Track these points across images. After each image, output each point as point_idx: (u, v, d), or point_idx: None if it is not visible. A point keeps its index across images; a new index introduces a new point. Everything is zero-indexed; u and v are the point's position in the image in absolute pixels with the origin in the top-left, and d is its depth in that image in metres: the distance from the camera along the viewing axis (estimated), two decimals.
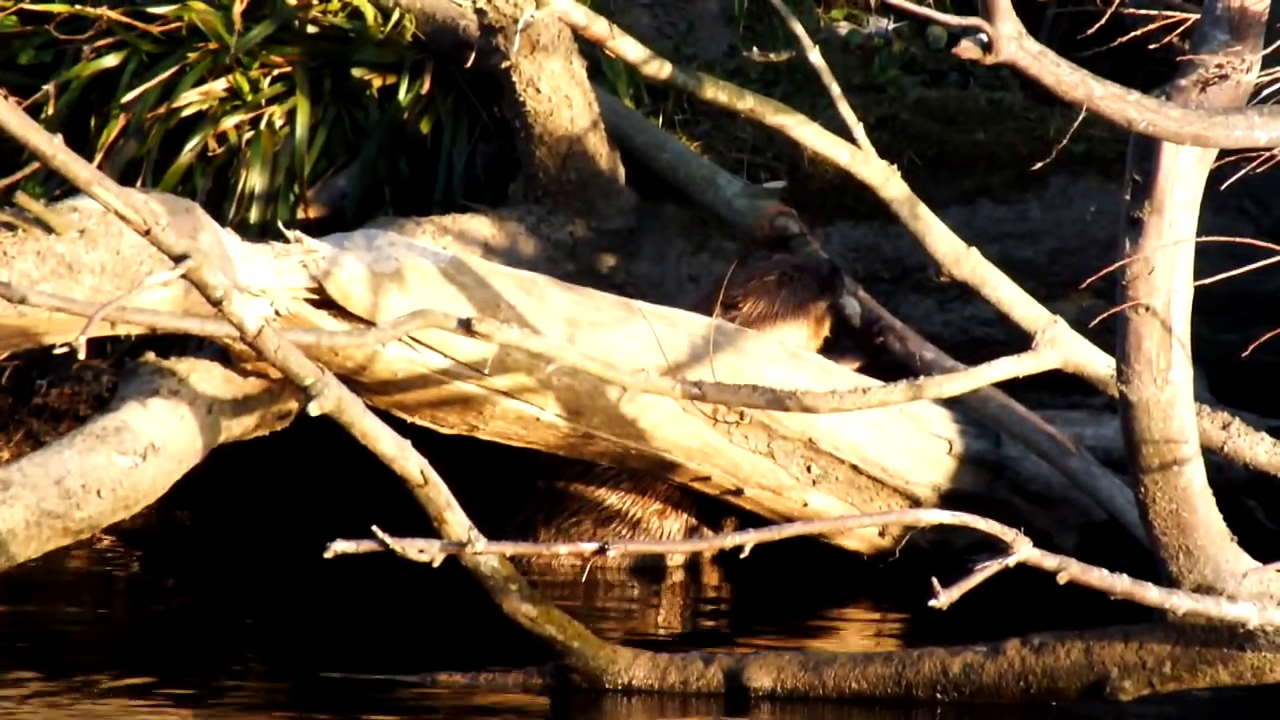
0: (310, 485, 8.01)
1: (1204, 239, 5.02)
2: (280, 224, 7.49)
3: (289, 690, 5.76)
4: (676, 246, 8.06)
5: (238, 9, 8.14)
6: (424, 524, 5.37)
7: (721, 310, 7.17)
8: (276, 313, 6.22)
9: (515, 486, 7.46)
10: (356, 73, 8.31)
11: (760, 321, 7.21)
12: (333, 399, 5.20)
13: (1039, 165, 5.20)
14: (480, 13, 7.38)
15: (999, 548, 4.88)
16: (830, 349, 7.35)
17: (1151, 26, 5.28)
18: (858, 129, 5.81)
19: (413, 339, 6.48)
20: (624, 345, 6.74)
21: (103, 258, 5.97)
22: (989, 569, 4.80)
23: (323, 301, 6.38)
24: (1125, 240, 5.01)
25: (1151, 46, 5.61)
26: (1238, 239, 5.05)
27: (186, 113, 8.20)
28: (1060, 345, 5.56)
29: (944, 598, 4.73)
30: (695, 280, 7.97)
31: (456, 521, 5.40)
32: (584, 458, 6.99)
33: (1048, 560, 4.92)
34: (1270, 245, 5.00)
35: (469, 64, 7.56)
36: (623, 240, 7.96)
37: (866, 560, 7.27)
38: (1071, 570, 4.93)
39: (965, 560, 4.93)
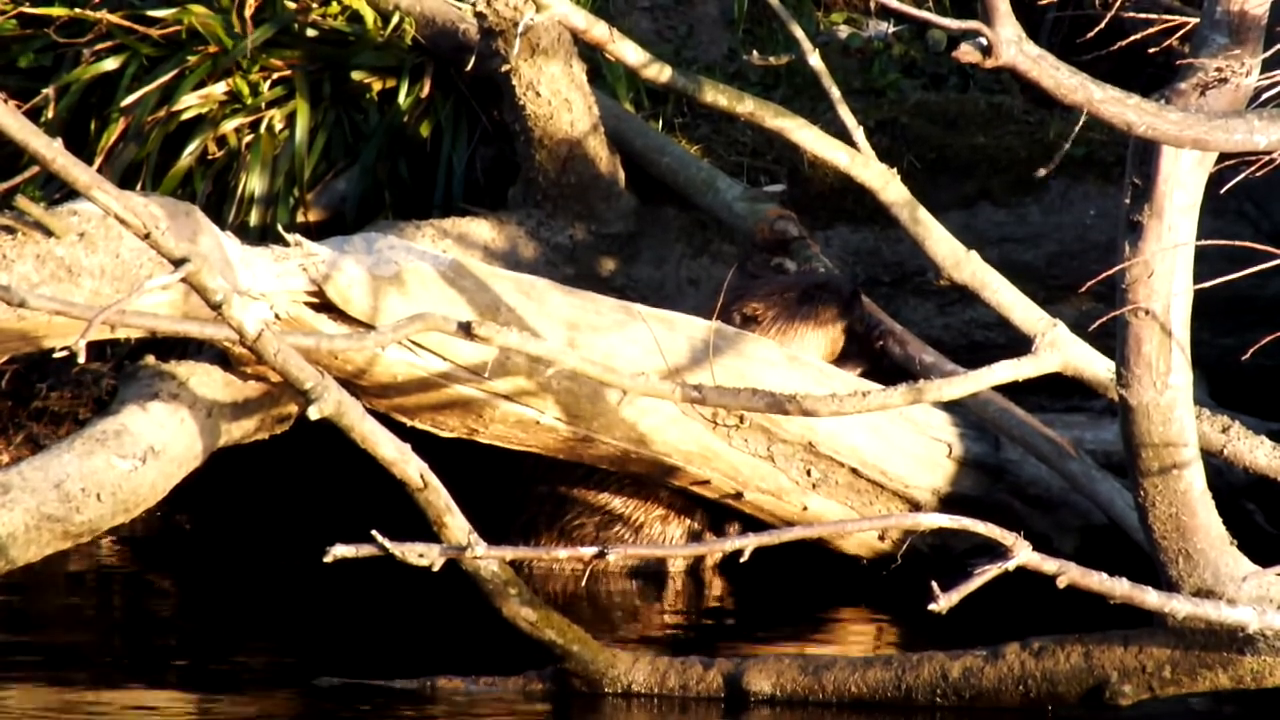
0: (310, 489, 8.00)
1: (1203, 243, 5.02)
2: (280, 227, 7.50)
3: (287, 695, 5.75)
4: (676, 250, 8.06)
5: (247, 13, 8.14)
6: (424, 528, 5.37)
7: (740, 323, 7.17)
8: (276, 316, 6.23)
9: (516, 490, 7.45)
10: (356, 76, 8.31)
11: (779, 337, 7.21)
12: (332, 402, 5.20)
13: (1042, 172, 5.22)
14: (480, 16, 7.38)
15: (999, 551, 4.88)
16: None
17: (1151, 30, 5.28)
18: (857, 132, 5.80)
19: (413, 342, 6.48)
20: (624, 348, 6.74)
21: (102, 261, 5.97)
22: (988, 573, 4.80)
23: (322, 305, 6.38)
24: (1125, 244, 5.01)
25: (1151, 50, 5.61)
26: (1237, 243, 5.05)
27: (186, 116, 8.20)
28: (1060, 349, 5.56)
29: (943, 601, 4.73)
30: (695, 284, 7.97)
31: (456, 525, 5.40)
32: (584, 461, 6.99)
33: (1047, 564, 4.92)
34: (1270, 249, 5.00)
35: (469, 67, 7.57)
36: (622, 244, 7.96)
37: (866, 564, 7.27)
38: (1071, 574, 4.93)
39: (965, 564, 4.92)
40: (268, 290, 6.22)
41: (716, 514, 7.29)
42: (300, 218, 8.15)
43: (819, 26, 9.02)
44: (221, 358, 6.41)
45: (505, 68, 7.47)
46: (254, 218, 8.12)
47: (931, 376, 6.77)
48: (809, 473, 7.01)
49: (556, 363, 5.28)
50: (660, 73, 5.59)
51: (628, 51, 5.55)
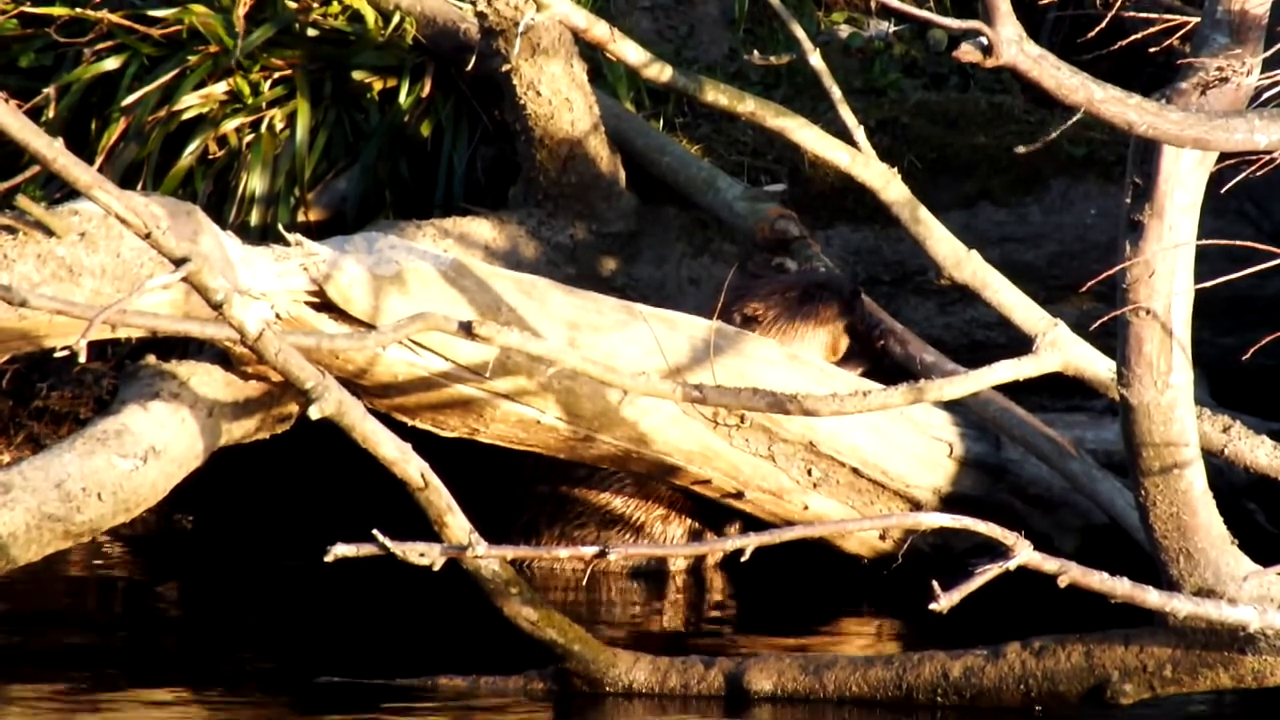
0: (311, 489, 8.00)
1: (1204, 243, 5.02)
2: (281, 227, 7.49)
3: (289, 695, 5.75)
4: (677, 249, 8.06)
5: (240, 12, 8.14)
6: (425, 527, 5.37)
7: (741, 323, 7.18)
8: (277, 316, 6.23)
9: (517, 490, 7.45)
10: (357, 76, 8.31)
11: (779, 337, 7.21)
12: (333, 402, 5.20)
13: (1022, 149, 5.18)
14: (481, 16, 7.38)
15: (1000, 551, 4.88)
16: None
17: (1151, 30, 5.28)
18: (858, 132, 5.80)
19: (413, 342, 6.48)
20: (625, 348, 6.74)
21: (103, 261, 5.97)
22: (989, 572, 4.80)
23: (323, 304, 6.38)
24: (1126, 243, 5.01)
25: (1152, 50, 5.61)
26: (1238, 242, 5.05)
27: (187, 116, 8.20)
28: (1061, 348, 5.56)
29: (944, 601, 4.73)
30: (696, 283, 7.97)
31: (457, 525, 5.40)
32: (585, 461, 6.99)
33: (1048, 563, 4.92)
34: (1271, 249, 5.00)
35: (469, 67, 7.57)
36: (623, 243, 7.96)
37: (867, 564, 7.27)
38: (1072, 573, 4.93)
39: (966, 563, 4.93)
40: (268, 290, 6.22)
41: (717, 513, 7.29)
42: (301, 217, 8.15)
43: (820, 26, 9.02)
44: (222, 357, 6.41)
45: (506, 67, 7.47)
46: (255, 217, 8.12)
47: (932, 376, 6.77)
48: (810, 472, 7.01)
49: (557, 362, 5.28)
50: (661, 72, 5.59)
51: (628, 51, 5.55)
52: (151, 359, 6.37)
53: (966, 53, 4.40)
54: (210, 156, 8.22)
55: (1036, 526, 7.10)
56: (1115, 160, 8.01)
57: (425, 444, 5.63)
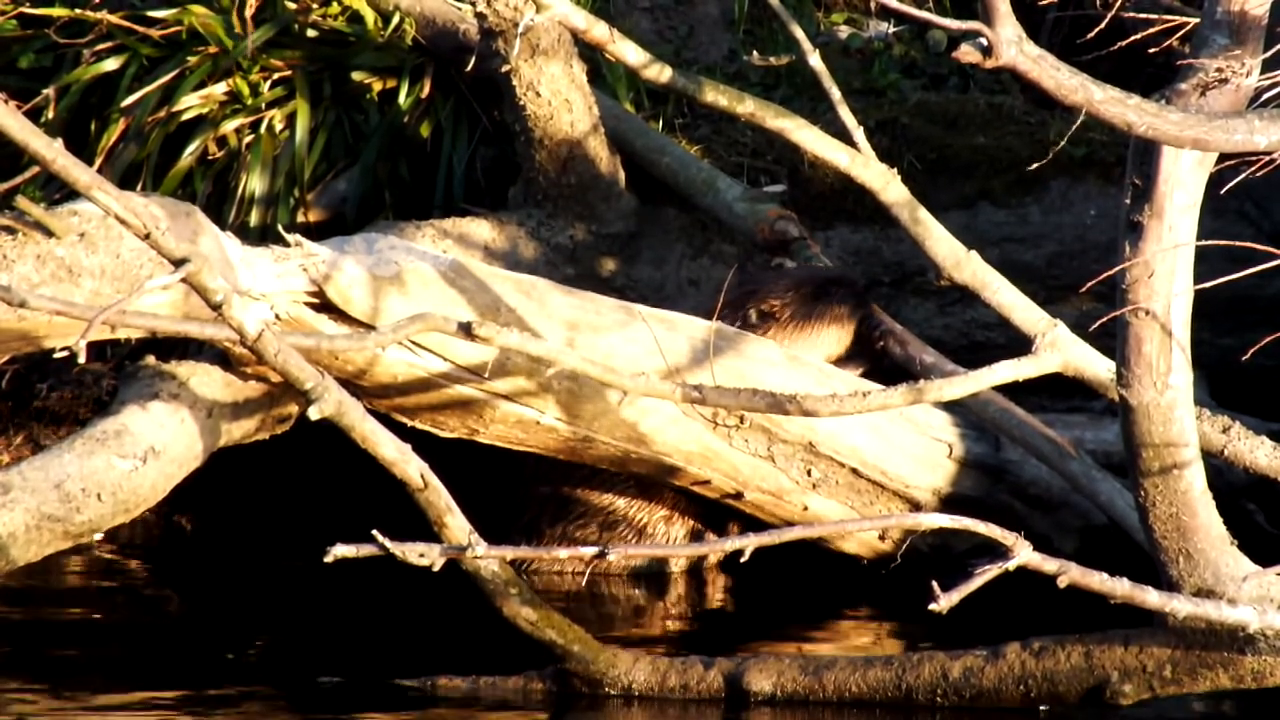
0: (310, 489, 8.00)
1: (1204, 243, 5.02)
2: (280, 228, 7.49)
3: (288, 695, 5.75)
4: (676, 250, 8.06)
5: (248, 13, 8.14)
6: (424, 528, 5.37)
7: (757, 319, 7.18)
8: (277, 316, 6.23)
9: (518, 491, 7.45)
10: (356, 76, 8.31)
11: (795, 333, 7.22)
12: (333, 403, 5.20)
13: (1035, 165, 5.21)
14: (480, 16, 7.38)
15: (999, 551, 4.88)
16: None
17: (1151, 30, 5.29)
18: (858, 133, 5.81)
19: (413, 343, 6.48)
20: (624, 349, 6.74)
21: (103, 261, 5.97)
22: (989, 573, 4.80)
23: (323, 305, 6.38)
24: (1125, 244, 5.02)
25: (1151, 50, 5.61)
26: (1237, 243, 5.05)
27: (186, 116, 8.20)
28: (1060, 349, 5.57)
29: (944, 601, 4.73)
30: (695, 284, 7.97)
31: (457, 525, 5.40)
32: (584, 462, 6.99)
33: (1048, 564, 4.92)
34: (1270, 249, 5.00)
35: (469, 68, 7.57)
36: (623, 244, 7.96)
37: (867, 564, 7.27)
38: (1072, 574, 4.93)
39: (965, 564, 4.92)
40: (268, 290, 6.22)
41: (718, 514, 7.29)
42: (300, 218, 8.15)
43: (819, 27, 9.02)
44: (222, 358, 6.41)
45: (505, 68, 7.47)
46: (254, 218, 8.12)
47: (932, 377, 6.76)
48: (809, 473, 7.01)
49: (557, 363, 5.28)
50: (660, 73, 5.59)
51: (628, 52, 5.55)
52: (151, 359, 6.37)
53: (966, 53, 4.40)
54: (210, 157, 8.22)
55: (1036, 527, 7.10)
56: (1115, 160, 8.01)
57: (425, 444, 5.63)
